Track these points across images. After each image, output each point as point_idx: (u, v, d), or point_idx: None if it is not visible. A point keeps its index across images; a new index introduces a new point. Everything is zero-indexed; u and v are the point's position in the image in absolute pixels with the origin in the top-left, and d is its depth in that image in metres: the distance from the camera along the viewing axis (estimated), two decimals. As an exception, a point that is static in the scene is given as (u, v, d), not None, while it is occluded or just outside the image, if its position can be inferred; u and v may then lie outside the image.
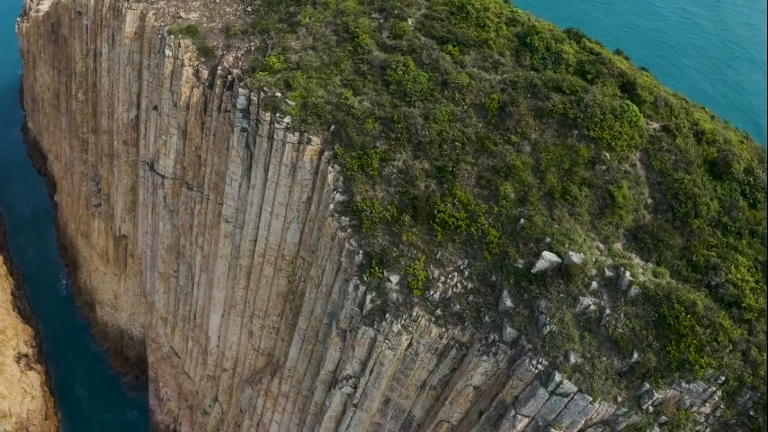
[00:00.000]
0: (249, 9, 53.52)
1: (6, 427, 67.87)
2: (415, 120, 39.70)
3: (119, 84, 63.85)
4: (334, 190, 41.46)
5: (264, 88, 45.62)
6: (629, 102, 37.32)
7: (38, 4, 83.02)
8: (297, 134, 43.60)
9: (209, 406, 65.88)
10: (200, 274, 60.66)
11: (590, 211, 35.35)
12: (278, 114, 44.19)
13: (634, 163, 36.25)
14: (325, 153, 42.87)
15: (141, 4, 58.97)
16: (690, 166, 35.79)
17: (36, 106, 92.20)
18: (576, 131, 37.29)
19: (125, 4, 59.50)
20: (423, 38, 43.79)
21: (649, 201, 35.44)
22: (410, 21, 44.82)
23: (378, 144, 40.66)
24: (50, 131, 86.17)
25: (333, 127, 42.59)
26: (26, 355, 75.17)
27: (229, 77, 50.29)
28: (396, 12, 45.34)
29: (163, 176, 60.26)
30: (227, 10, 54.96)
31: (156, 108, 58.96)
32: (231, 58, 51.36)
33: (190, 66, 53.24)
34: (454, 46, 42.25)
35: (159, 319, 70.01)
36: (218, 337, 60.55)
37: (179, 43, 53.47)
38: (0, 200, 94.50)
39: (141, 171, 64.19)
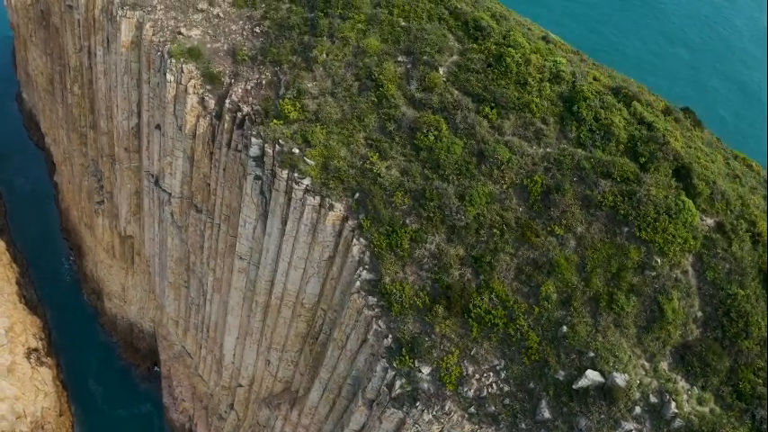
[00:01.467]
0: (257, 30, 48.45)
1: (22, 428, 68.32)
2: (450, 200, 36.59)
3: (116, 91, 59.27)
4: (360, 266, 38.93)
5: (280, 140, 41.94)
6: (684, 198, 34.18)
7: None
8: (318, 198, 40.51)
9: (225, 412, 66.03)
10: (212, 293, 58.90)
11: (637, 324, 33.18)
12: (297, 174, 40.88)
13: (686, 269, 33.67)
14: (349, 221, 39.98)
15: (137, 13, 53.59)
16: (744, 277, 33.27)
17: (30, 83, 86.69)
18: (626, 229, 34.41)
19: (119, 12, 54.10)
20: (456, 92, 39.69)
21: (699, 314, 33.24)
22: (441, 70, 40.44)
23: (408, 221, 37.73)
24: (47, 115, 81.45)
25: (357, 194, 39.45)
26: (36, 350, 74.58)
27: (239, 115, 46.33)
28: (425, 58, 40.83)
29: (169, 194, 57.16)
30: (233, 28, 49.81)
31: (158, 127, 54.97)
32: (240, 91, 47.04)
33: (194, 94, 48.97)
34: (492, 108, 38.31)
35: (170, 320, 68.91)
36: (234, 355, 59.62)
37: (181, 68, 48.95)
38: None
39: (146, 182, 60.97)
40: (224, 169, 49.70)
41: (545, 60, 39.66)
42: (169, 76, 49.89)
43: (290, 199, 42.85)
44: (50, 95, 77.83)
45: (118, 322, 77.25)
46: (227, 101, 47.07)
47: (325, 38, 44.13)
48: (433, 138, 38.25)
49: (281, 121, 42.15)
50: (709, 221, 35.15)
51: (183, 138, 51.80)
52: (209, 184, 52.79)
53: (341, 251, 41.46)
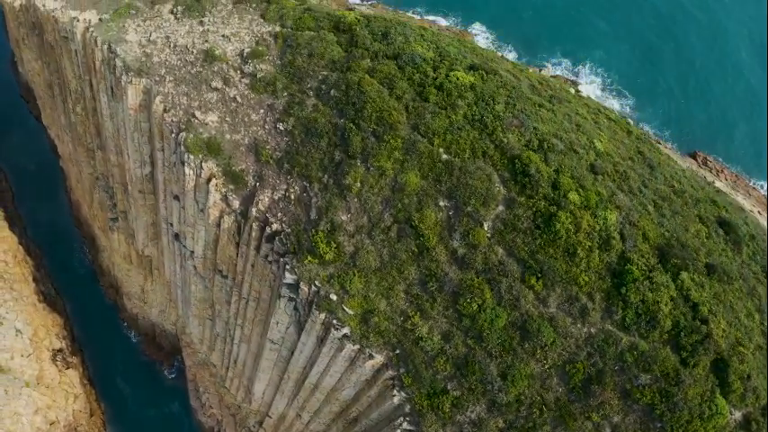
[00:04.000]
0: (281, 127, 44.98)
1: (56, 434, 72.28)
2: (493, 377, 36.84)
3: (126, 141, 56.08)
4: (400, 416, 39.81)
5: (316, 282, 40.91)
6: (718, 399, 34.69)
7: None
8: (357, 345, 40.40)
9: (254, 427, 69.67)
10: (240, 342, 59.85)
11: None
12: (335, 321, 40.41)
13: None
14: (389, 371, 40.21)
15: (143, 80, 49.47)
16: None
17: (26, 70, 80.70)
18: (659, 425, 35.21)
19: (124, 78, 49.84)
20: (501, 251, 38.18)
21: None
22: (486, 225, 38.50)
23: (449, 386, 38.11)
24: (48, 112, 76.68)
25: (398, 350, 39.36)
26: (61, 350, 76.74)
27: (268, 229, 44.46)
28: (468, 209, 38.65)
29: (191, 251, 56.22)
30: (253, 117, 46.20)
31: (177, 198, 52.78)
32: (267, 200, 44.79)
33: (217, 192, 46.66)
34: (538, 279, 37.19)
35: (194, 336, 70.44)
36: (263, 396, 61.88)
37: (200, 164, 46.25)
38: (0, 155, 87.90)
39: (164, 225, 59.58)
40: (252, 265, 48.74)
41: (595, 221, 37.80)
42: (188, 170, 47.31)
43: (327, 335, 42.52)
44: (50, 98, 73.16)
45: (139, 321, 78.86)
46: (254, 209, 45.07)
47: (358, 162, 41.37)
48: (476, 307, 37.53)
49: (317, 260, 40.82)
50: (737, 415, 35.99)
51: (206, 222, 50.09)
52: (236, 265, 51.93)
53: (380, 391, 42.04)
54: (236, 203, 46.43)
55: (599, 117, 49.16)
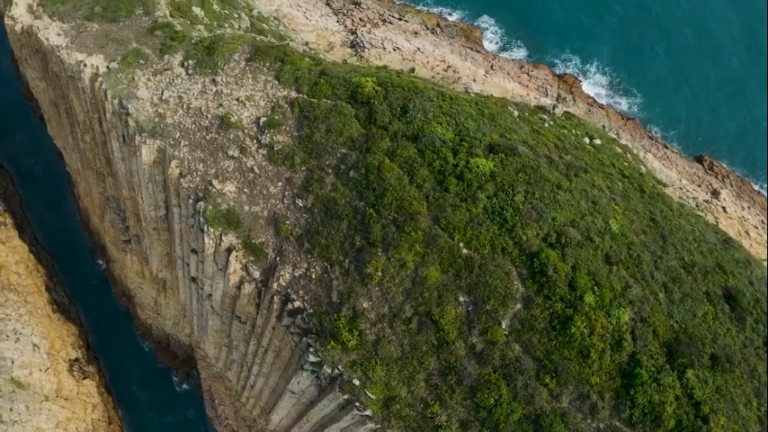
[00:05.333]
0: (300, 203, 45.22)
1: (77, 446, 75.24)
2: (507, 470, 38.89)
3: (140, 188, 56.07)
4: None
5: (339, 366, 42.32)
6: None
7: (9, 9, 65.81)
8: (378, 426, 42.23)
9: (270, 438, 72.54)
10: (257, 376, 61.65)
11: None
12: (358, 404, 42.09)
13: None
14: (409, 450, 42.25)
15: (157, 141, 49.21)
16: None
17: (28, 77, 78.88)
18: None
19: (138, 138, 49.54)
20: (518, 348, 39.60)
21: None
22: (504, 324, 39.69)
23: (467, 474, 40.27)
24: (53, 126, 75.55)
25: (418, 435, 41.32)
26: (77, 359, 78.85)
27: (290, 305, 45.41)
28: (488, 307, 39.75)
29: (209, 295, 57.31)
30: (272, 190, 46.31)
31: (194, 252, 53.31)
32: (288, 275, 45.60)
33: (237, 262, 47.33)
34: (552, 377, 38.74)
35: (211, 354, 72.29)
36: (280, 423, 64.23)
37: (220, 235, 46.75)
38: (5, 157, 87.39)
39: (180, 263, 60.32)
40: (273, 328, 49.90)
41: (608, 321, 39.08)
42: (207, 239, 47.91)
43: (348, 403, 44.25)
44: (56, 116, 72.12)
45: (153, 331, 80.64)
46: (275, 283, 45.93)
47: (379, 251, 42.07)
48: (493, 401, 39.24)
49: (339, 346, 42.10)
50: None
51: (225, 281, 50.86)
52: (256, 319, 52.99)
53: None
54: (256, 273, 47.31)
55: (613, 180, 49.53)
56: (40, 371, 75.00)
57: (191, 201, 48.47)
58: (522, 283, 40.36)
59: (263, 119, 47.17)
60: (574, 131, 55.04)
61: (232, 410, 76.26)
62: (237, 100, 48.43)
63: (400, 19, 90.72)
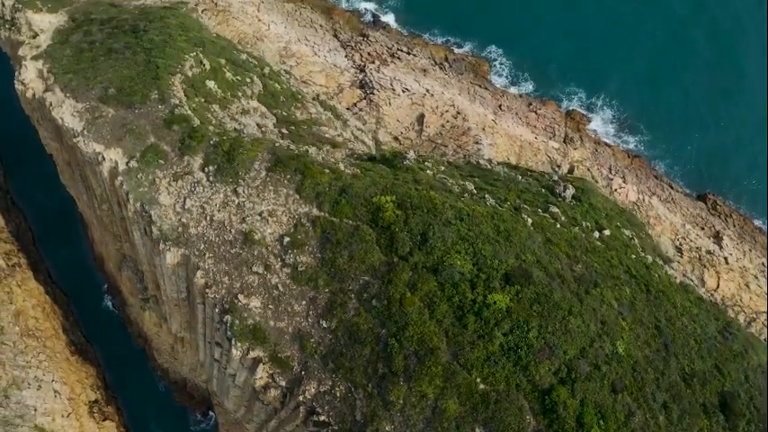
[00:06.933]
0: (324, 324, 47.05)
1: (98, 489, 78.87)
2: None
3: (162, 276, 57.57)
4: None
5: (366, 497, 45.16)
6: None
7: (18, 72, 65.51)
8: None
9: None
10: (275, 440, 64.67)
11: None
12: None
13: None
14: None
15: (181, 250, 50.58)
16: None
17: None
18: None
19: (162, 246, 50.81)
20: (530, 484, 42.40)
21: None
22: (518, 459, 42.36)
23: None
24: (66, 176, 76.07)
25: None
26: (96, 401, 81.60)
27: (315, 418, 47.78)
28: (504, 442, 42.40)
29: (233, 376, 59.49)
30: (296, 308, 48.04)
31: (219, 344, 55.22)
32: (313, 390, 47.92)
33: (264, 371, 49.44)
34: None
35: (230, 407, 75.11)
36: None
37: (247, 349, 48.76)
38: (16, 192, 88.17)
39: (201, 337, 62.30)
40: (297, 425, 52.37)
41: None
42: (234, 351, 49.86)
43: None
44: (70, 173, 72.66)
45: (170, 375, 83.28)
46: (301, 396, 48.12)
47: (401, 380, 44.33)
48: None
49: (364, 476, 44.88)
50: None
51: (250, 377, 52.99)
52: (280, 412, 55.28)
53: None
54: (282, 382, 49.56)
55: (622, 287, 51.45)
56: (62, 416, 78.00)
57: (216, 310, 50.27)
58: (534, 417, 42.89)
59: (286, 238, 48.53)
60: (584, 224, 56.50)
61: (249, 452, 79.79)
62: (260, 215, 49.63)
63: (409, 53, 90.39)
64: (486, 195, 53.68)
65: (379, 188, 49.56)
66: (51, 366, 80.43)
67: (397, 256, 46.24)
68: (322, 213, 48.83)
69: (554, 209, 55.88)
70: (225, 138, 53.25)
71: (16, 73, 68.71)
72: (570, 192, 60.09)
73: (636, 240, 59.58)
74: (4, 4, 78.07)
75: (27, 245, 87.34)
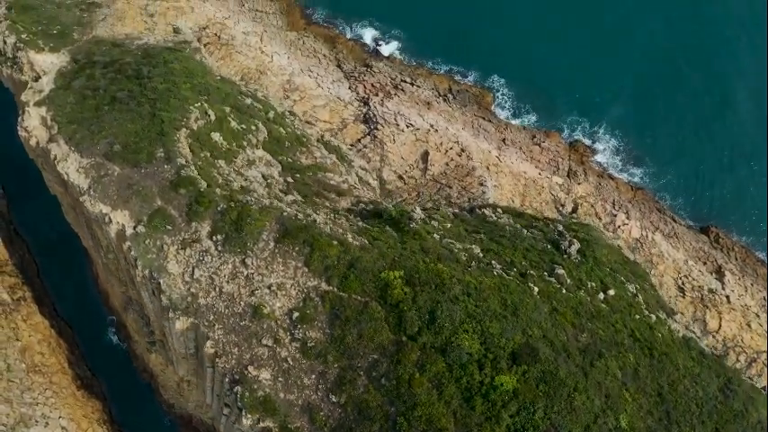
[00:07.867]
0: (334, 399, 47.61)
1: None
2: None
3: (170, 334, 58.02)
4: None
5: None
6: None
7: (24, 120, 65.25)
8: None
9: None
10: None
11: None
12: None
13: None
14: None
15: (190, 319, 51.03)
16: None
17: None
18: None
19: (171, 314, 51.24)
20: None
21: None
22: None
23: None
24: (71, 216, 76.02)
25: None
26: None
27: (325, 490, 48.64)
28: None
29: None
30: (305, 382, 48.59)
31: (228, 405, 55.78)
32: (323, 462, 48.49)
33: (275, 441, 50.20)
34: None
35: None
36: None
37: (258, 420, 49.33)
38: (21, 224, 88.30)
39: (209, 389, 62.91)
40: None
41: None
42: (245, 421, 50.40)
43: None
44: (75, 217, 72.74)
45: (176, 410, 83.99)
46: (311, 466, 48.91)
47: (409, 445, 45.17)
48: None
49: None
50: None
51: (258, 439, 53.79)
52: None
53: None
54: (291, 448, 50.28)
55: (626, 354, 52.07)
56: (70, 453, 78.89)
57: (227, 379, 50.82)
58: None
59: (295, 313, 48.95)
60: (590, 284, 56.97)
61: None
62: (269, 288, 49.97)
63: (412, 83, 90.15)
64: (493, 261, 54.05)
65: (388, 261, 49.93)
66: (58, 402, 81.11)
67: (405, 336, 46.78)
68: (331, 288, 49.21)
69: (560, 270, 56.29)
70: (232, 205, 53.40)
71: (19, 119, 68.54)
72: (575, 247, 60.44)
73: (640, 297, 60.06)
74: (5, 42, 77.66)
75: (32, 277, 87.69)
